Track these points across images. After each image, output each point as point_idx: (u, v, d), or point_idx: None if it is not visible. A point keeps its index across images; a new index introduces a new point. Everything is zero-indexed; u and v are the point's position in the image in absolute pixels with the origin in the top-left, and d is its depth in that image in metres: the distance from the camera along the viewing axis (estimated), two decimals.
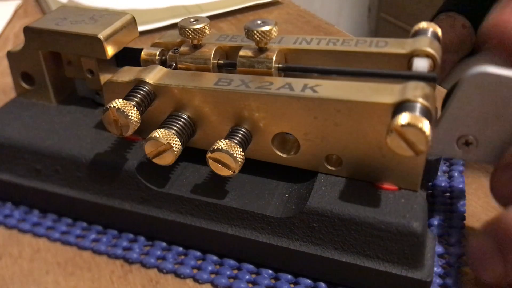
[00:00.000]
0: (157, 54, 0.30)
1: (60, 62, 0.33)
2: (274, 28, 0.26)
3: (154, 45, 0.32)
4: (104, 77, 0.31)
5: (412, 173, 0.24)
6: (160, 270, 0.27)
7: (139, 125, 0.26)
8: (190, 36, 0.28)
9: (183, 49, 0.29)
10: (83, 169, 0.29)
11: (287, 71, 0.28)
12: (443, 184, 0.30)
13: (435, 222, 0.28)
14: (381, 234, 0.23)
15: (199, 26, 0.28)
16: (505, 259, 0.21)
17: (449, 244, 0.27)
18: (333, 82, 0.25)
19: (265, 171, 0.28)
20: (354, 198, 0.24)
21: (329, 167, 0.26)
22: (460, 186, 0.30)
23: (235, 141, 0.25)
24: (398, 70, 0.27)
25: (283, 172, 0.27)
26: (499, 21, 0.23)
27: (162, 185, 0.28)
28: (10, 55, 0.33)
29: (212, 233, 0.27)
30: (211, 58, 0.28)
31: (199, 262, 0.27)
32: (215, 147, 0.24)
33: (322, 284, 0.25)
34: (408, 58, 0.27)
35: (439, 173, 0.31)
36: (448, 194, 0.30)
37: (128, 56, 0.31)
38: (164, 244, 0.28)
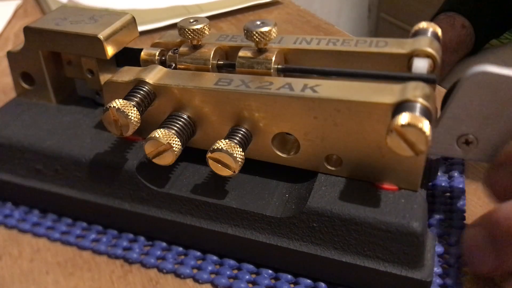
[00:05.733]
0: (157, 54, 0.30)
1: (60, 62, 0.33)
2: (273, 29, 0.26)
3: (154, 45, 0.32)
4: (104, 77, 0.31)
5: (412, 173, 0.24)
6: (160, 270, 0.27)
7: (139, 125, 0.26)
8: (190, 36, 0.28)
9: (182, 49, 0.29)
10: (83, 169, 0.29)
11: (286, 72, 0.28)
12: (443, 184, 0.30)
13: (435, 222, 0.28)
14: (381, 234, 0.23)
15: (198, 26, 0.28)
16: (497, 251, 0.22)
17: (449, 244, 0.27)
18: (333, 82, 0.25)
19: (265, 171, 0.28)
20: (354, 198, 0.24)
21: (329, 167, 0.26)
22: (460, 186, 0.30)
23: (235, 141, 0.25)
24: (398, 70, 0.27)
25: (283, 172, 0.27)
26: None
27: (162, 185, 0.28)
28: (10, 55, 0.33)
29: (212, 233, 0.27)
30: (211, 59, 0.28)
31: (199, 262, 0.27)
32: (215, 147, 0.24)
33: (322, 284, 0.25)
34: (408, 58, 0.27)
35: (439, 173, 0.31)
36: (448, 194, 0.30)
37: (128, 56, 0.31)
38: (164, 244, 0.28)
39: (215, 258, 0.27)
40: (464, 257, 0.24)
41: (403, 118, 0.21)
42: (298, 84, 0.25)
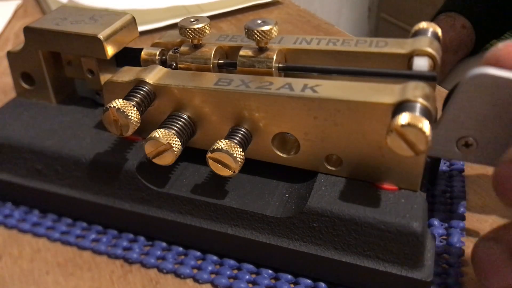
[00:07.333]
0: (157, 54, 0.30)
1: (60, 62, 0.33)
2: (274, 28, 0.26)
3: (154, 45, 0.32)
4: (104, 77, 0.31)
5: (412, 173, 0.24)
6: (160, 270, 0.27)
7: (139, 125, 0.26)
8: (190, 36, 0.28)
9: (183, 49, 0.29)
10: (83, 169, 0.29)
11: (287, 70, 0.28)
12: (443, 184, 0.30)
13: (435, 222, 0.28)
14: (381, 234, 0.23)
15: (199, 26, 0.28)
16: None
17: (449, 244, 0.27)
18: (333, 82, 0.25)
19: (265, 171, 0.28)
20: (354, 198, 0.24)
21: (329, 167, 0.26)
22: (460, 186, 0.30)
23: (235, 141, 0.25)
24: (398, 70, 0.27)
25: (283, 172, 0.27)
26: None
27: (162, 185, 0.28)
28: (10, 55, 0.33)
29: (212, 233, 0.27)
30: (211, 58, 0.28)
31: (199, 262, 0.27)
32: (215, 147, 0.24)
33: (322, 284, 0.25)
34: (408, 58, 0.27)
35: (439, 173, 0.31)
36: (448, 194, 0.30)
37: (128, 56, 0.31)
38: (164, 244, 0.28)
39: (215, 258, 0.27)
40: (476, 273, 0.22)
41: (403, 118, 0.21)
42: (298, 84, 0.25)
